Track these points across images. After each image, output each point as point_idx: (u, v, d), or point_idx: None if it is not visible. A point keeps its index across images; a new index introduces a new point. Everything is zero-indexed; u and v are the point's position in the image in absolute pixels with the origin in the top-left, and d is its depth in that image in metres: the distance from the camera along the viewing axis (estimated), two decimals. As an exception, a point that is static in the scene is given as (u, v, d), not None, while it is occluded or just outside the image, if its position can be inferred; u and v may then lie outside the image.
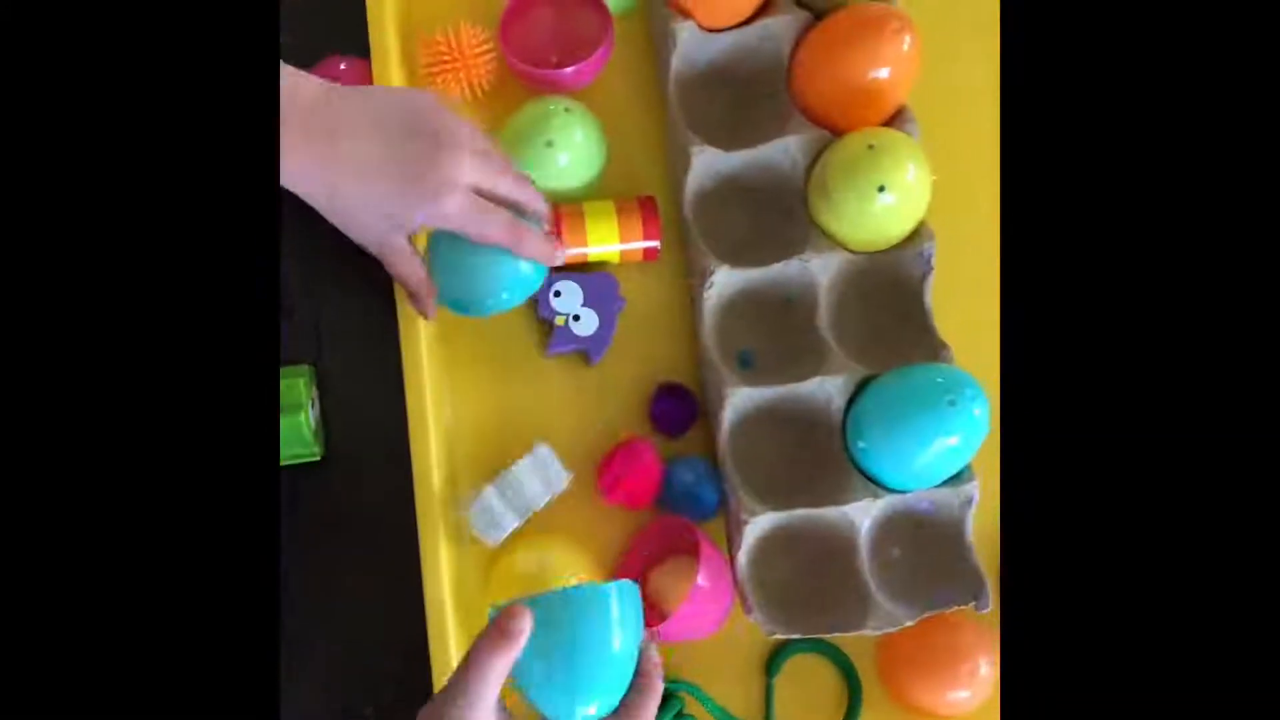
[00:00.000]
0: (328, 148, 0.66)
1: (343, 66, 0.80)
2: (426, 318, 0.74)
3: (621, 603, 0.57)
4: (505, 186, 0.70)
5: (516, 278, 0.72)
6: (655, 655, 0.60)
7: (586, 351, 0.77)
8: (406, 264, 0.72)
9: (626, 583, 0.58)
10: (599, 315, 0.77)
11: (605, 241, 0.77)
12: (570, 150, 0.77)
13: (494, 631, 0.55)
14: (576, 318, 0.77)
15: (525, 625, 0.55)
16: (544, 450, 0.74)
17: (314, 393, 0.75)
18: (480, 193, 0.69)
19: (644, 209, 0.78)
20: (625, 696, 0.58)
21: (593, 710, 0.57)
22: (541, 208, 0.73)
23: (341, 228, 0.71)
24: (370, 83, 0.77)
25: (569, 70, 0.77)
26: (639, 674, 0.59)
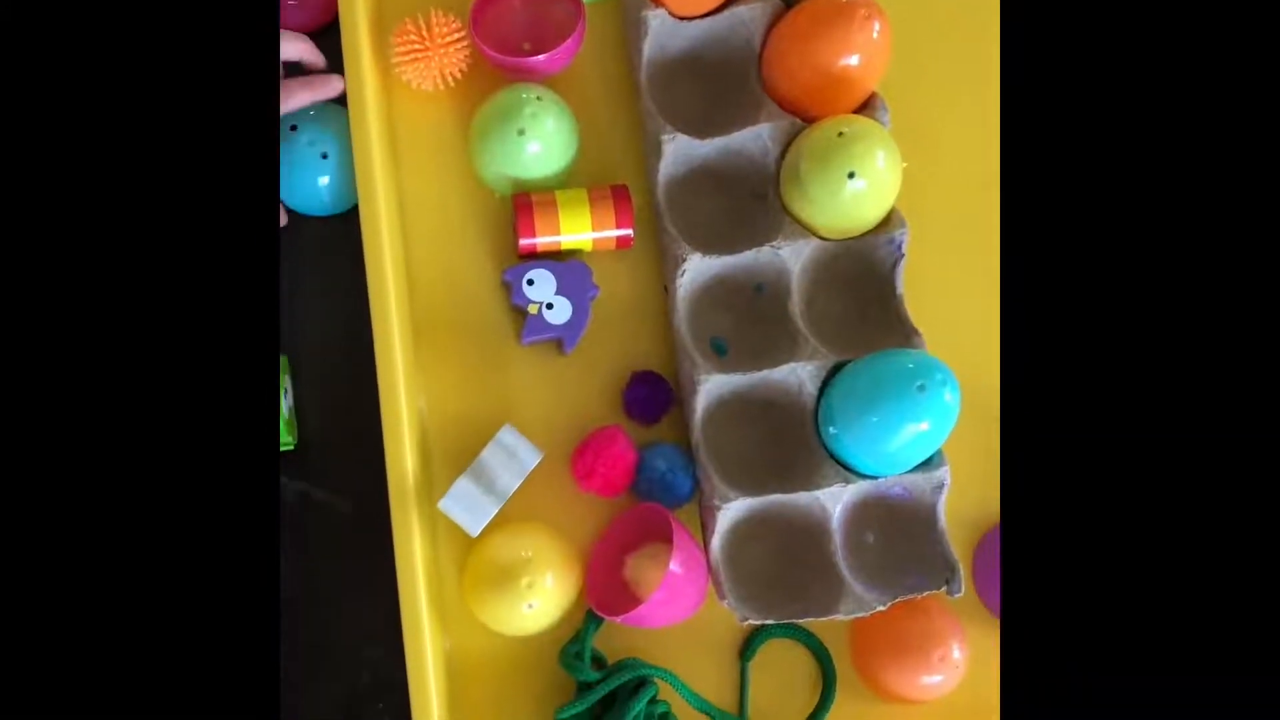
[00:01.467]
0: None
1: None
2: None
3: None
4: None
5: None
6: None
7: (561, 340, 0.77)
8: None
9: None
10: (573, 303, 0.77)
11: (578, 230, 0.77)
12: (541, 139, 0.77)
13: None
14: (550, 306, 0.77)
15: None
16: (507, 434, 0.74)
17: (288, 382, 0.75)
18: None
19: (616, 197, 0.78)
20: None
21: None
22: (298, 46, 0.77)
23: None
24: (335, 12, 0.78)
25: (541, 58, 0.77)
26: None
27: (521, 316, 0.78)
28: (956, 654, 0.73)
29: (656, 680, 0.72)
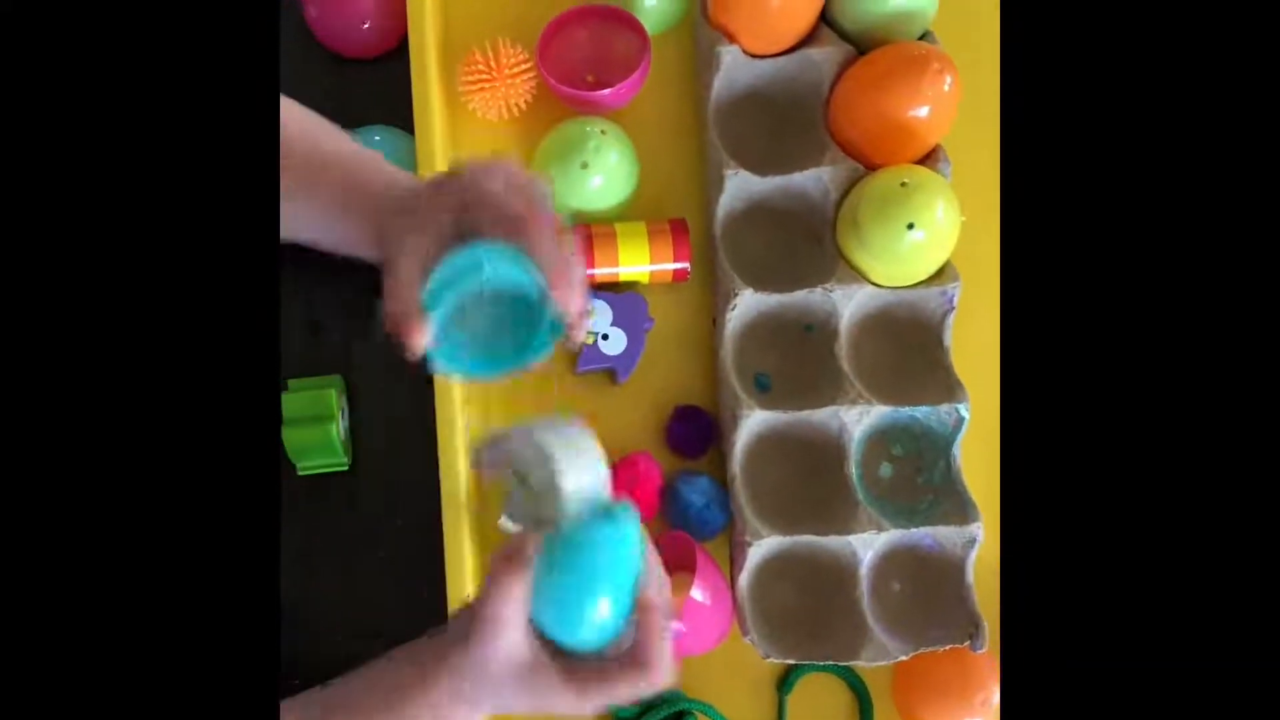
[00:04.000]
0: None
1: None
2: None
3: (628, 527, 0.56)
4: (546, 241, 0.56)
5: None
6: (660, 592, 0.56)
7: (614, 370, 0.79)
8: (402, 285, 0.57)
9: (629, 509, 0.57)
10: (628, 334, 0.79)
11: (636, 262, 0.78)
12: (604, 172, 0.78)
13: (508, 553, 0.55)
14: (605, 337, 0.78)
15: (530, 549, 0.55)
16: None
17: (344, 403, 0.77)
18: None
19: (675, 231, 0.79)
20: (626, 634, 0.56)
21: (596, 628, 0.55)
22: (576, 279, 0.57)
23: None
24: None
25: (606, 91, 0.77)
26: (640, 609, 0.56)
27: (577, 346, 0.79)
28: (997, 698, 0.74)
29: (695, 713, 0.75)
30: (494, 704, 0.56)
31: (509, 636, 0.54)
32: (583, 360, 0.79)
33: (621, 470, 0.77)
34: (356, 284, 0.79)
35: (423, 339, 0.56)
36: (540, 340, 0.57)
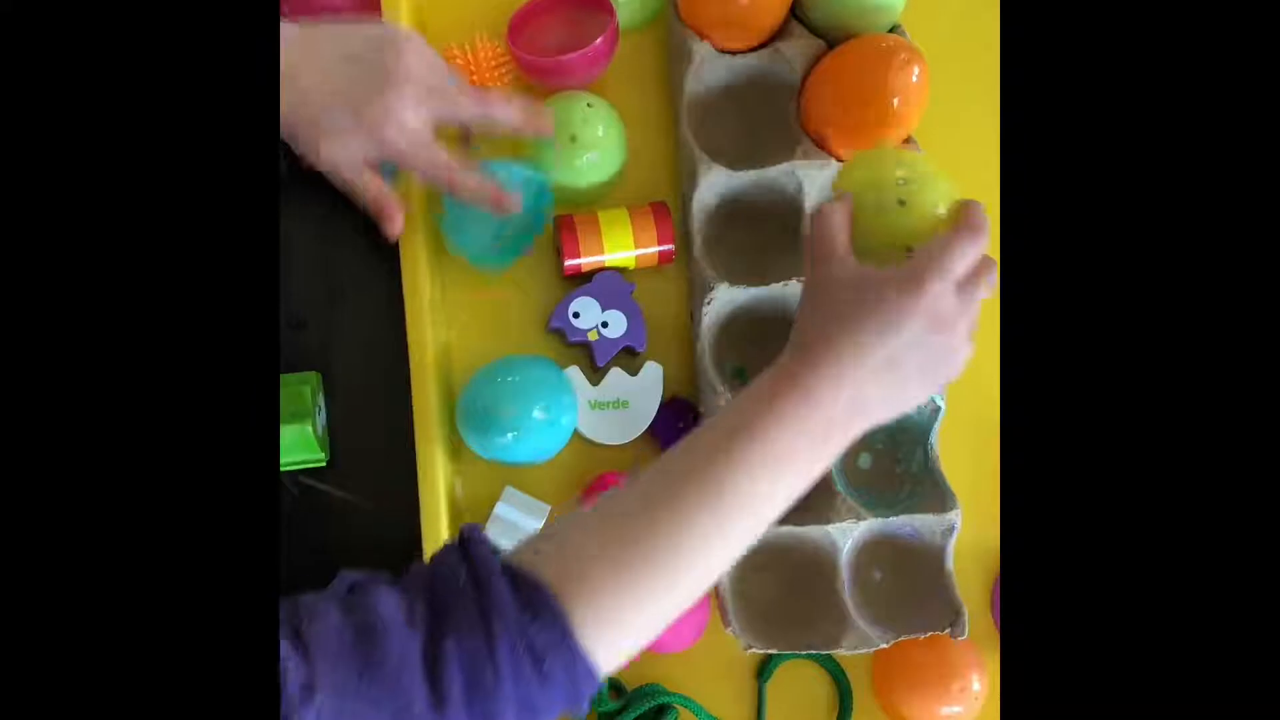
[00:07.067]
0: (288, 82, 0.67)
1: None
2: (390, 237, 0.73)
3: None
4: (466, 109, 0.71)
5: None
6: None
7: (630, 346, 0.79)
8: (362, 180, 0.71)
9: None
10: (623, 312, 0.79)
11: (622, 248, 0.79)
12: (593, 145, 0.78)
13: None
14: (605, 325, 0.79)
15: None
16: (504, 507, 0.76)
17: (320, 399, 0.77)
18: (443, 122, 0.71)
19: (656, 214, 0.79)
20: None
21: None
22: (507, 110, 0.73)
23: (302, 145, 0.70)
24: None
25: (573, 56, 0.77)
26: None
27: (561, 341, 0.80)
28: (976, 686, 0.75)
29: (676, 707, 0.75)
30: (856, 354, 0.58)
31: (838, 256, 0.61)
32: (599, 356, 0.79)
33: (596, 490, 0.77)
34: (338, 278, 0.80)
35: (399, 224, 0.72)
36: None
